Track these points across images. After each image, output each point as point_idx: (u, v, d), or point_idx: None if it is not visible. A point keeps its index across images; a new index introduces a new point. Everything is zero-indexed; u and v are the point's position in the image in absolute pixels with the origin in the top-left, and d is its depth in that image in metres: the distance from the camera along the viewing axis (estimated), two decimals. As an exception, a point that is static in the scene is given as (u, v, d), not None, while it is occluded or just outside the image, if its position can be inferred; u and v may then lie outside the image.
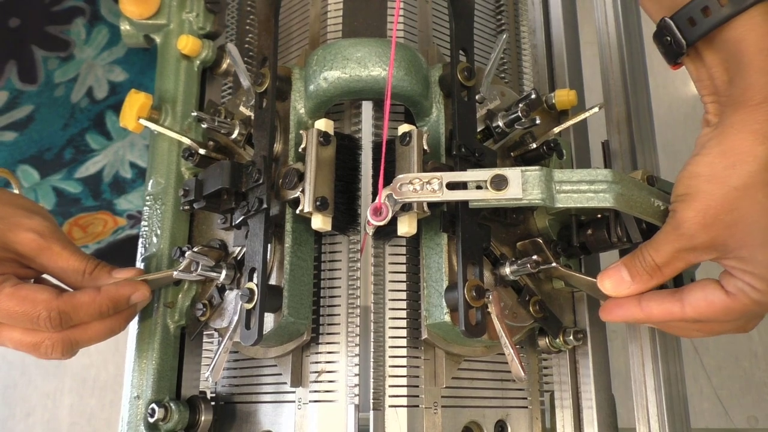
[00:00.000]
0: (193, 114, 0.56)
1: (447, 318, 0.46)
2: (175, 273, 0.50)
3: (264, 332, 0.46)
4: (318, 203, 0.46)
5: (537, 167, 0.40)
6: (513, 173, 0.40)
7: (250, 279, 0.47)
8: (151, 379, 0.52)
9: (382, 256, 0.51)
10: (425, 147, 0.47)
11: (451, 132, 0.50)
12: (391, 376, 0.49)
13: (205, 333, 0.57)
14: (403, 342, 0.50)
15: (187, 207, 0.51)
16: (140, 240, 0.57)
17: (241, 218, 0.49)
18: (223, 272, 0.50)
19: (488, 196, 0.40)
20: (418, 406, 0.49)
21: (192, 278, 0.50)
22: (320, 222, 0.46)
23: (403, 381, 0.49)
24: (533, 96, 0.51)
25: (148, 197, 0.58)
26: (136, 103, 0.57)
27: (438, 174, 0.40)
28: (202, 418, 0.54)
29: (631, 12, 0.58)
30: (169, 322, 0.54)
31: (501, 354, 0.53)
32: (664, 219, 0.45)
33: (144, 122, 0.56)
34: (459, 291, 0.45)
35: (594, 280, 0.49)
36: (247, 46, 0.66)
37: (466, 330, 0.44)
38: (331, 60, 0.47)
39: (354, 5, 0.54)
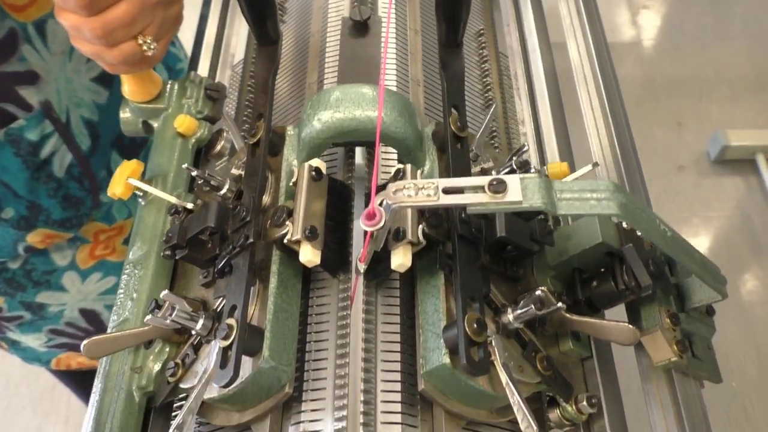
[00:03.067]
0: (183, 166, 0.55)
1: (446, 359, 0.42)
2: (147, 317, 0.46)
3: (240, 374, 0.41)
4: (307, 232, 0.43)
5: (535, 174, 0.39)
6: (511, 178, 0.38)
7: (230, 316, 0.43)
8: (108, 447, 0.46)
9: (374, 304, 0.47)
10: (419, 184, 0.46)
11: (446, 180, 0.49)
12: (383, 439, 0.43)
13: (175, 405, 0.51)
14: (398, 396, 0.44)
15: (168, 253, 0.49)
16: (114, 308, 0.54)
17: (225, 259, 0.46)
18: (201, 321, 0.46)
19: (486, 200, 0.38)
20: (414, 473, 0.42)
21: (166, 325, 0.46)
22: (309, 253, 0.43)
23: (397, 445, 0.43)
24: (526, 148, 0.51)
25: (127, 266, 0.55)
26: (127, 169, 0.57)
27: (433, 180, 0.38)
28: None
29: (611, 84, 0.61)
30: (134, 389, 0.48)
31: (511, 422, 0.47)
32: (671, 247, 0.43)
33: (133, 181, 0.55)
34: (459, 324, 0.41)
35: (603, 321, 0.45)
36: (243, 133, 0.67)
37: (467, 364, 0.40)
38: (326, 101, 0.48)
39: (348, 69, 0.56)
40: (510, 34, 0.74)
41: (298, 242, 0.44)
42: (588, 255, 0.48)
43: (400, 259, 0.43)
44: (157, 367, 0.49)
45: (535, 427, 0.41)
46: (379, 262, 0.45)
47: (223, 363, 0.41)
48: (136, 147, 0.80)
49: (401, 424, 0.43)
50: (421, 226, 0.44)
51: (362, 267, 0.44)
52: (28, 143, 0.66)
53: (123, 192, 0.56)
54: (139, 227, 0.57)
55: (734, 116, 2.21)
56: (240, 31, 0.72)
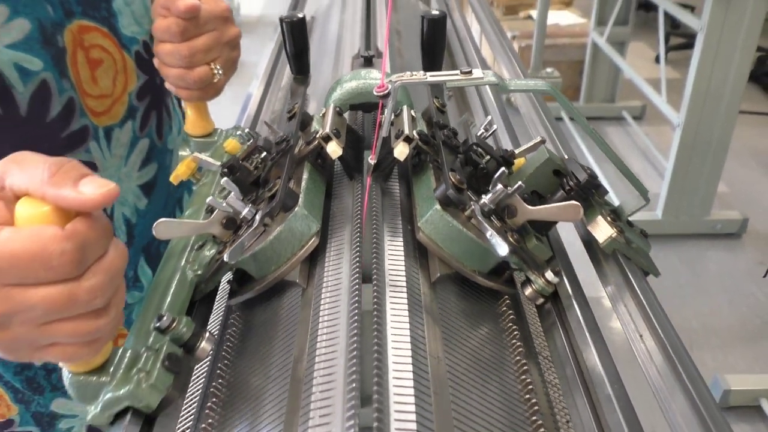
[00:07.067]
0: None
1: (437, 205, 0.56)
2: (209, 199, 0.59)
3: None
4: (334, 131, 0.60)
5: (492, 72, 0.58)
6: (476, 69, 0.57)
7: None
8: (166, 300, 0.56)
9: (380, 197, 0.62)
10: (413, 114, 0.64)
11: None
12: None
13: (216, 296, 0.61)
14: (400, 242, 0.57)
15: (225, 170, 0.64)
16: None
17: (272, 161, 0.62)
18: (247, 208, 0.60)
19: (460, 77, 0.56)
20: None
21: (222, 207, 0.59)
22: (334, 145, 0.60)
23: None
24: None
25: None
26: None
27: (423, 72, 0.57)
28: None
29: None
30: (187, 270, 0.60)
31: (490, 291, 0.58)
32: (594, 136, 0.60)
33: (198, 155, 0.72)
34: (444, 176, 0.56)
35: (552, 205, 0.59)
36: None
37: (453, 191, 0.54)
38: (347, 77, 0.69)
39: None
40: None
41: (326, 138, 0.60)
42: (540, 174, 0.64)
43: (401, 148, 0.59)
44: (208, 254, 0.61)
45: (505, 245, 0.53)
46: (383, 161, 0.61)
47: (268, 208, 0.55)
48: (161, 257, 0.91)
49: (404, 263, 0.55)
50: (415, 131, 0.61)
51: (372, 160, 0.60)
52: None
53: (184, 171, 0.73)
54: (194, 198, 0.73)
55: (728, 364, 2.15)
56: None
